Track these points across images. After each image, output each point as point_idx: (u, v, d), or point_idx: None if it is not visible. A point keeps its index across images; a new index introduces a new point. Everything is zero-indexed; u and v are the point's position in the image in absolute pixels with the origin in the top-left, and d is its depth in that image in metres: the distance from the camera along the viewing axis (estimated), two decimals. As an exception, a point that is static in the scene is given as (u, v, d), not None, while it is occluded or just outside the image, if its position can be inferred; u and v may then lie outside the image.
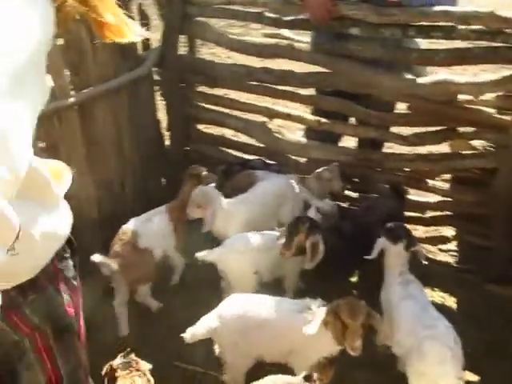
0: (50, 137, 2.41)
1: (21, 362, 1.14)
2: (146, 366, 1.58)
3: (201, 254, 2.31)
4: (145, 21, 3.02)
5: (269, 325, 1.95)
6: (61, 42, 2.46)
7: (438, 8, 2.24)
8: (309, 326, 1.86)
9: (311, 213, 2.54)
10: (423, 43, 2.63)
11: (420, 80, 2.47)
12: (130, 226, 2.50)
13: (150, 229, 2.51)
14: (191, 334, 1.92)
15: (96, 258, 2.23)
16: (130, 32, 1.02)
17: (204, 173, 2.74)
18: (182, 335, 1.93)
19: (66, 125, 2.47)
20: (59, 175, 1.15)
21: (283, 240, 2.28)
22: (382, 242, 2.22)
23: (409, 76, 2.52)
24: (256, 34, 6.39)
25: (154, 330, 2.50)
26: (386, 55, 2.52)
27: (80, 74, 2.51)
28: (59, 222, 1.13)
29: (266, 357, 2.02)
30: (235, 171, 3.07)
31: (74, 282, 1.23)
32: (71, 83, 2.50)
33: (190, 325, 1.98)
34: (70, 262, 1.22)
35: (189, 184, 2.68)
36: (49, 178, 1.06)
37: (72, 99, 2.44)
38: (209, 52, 5.60)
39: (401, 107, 2.93)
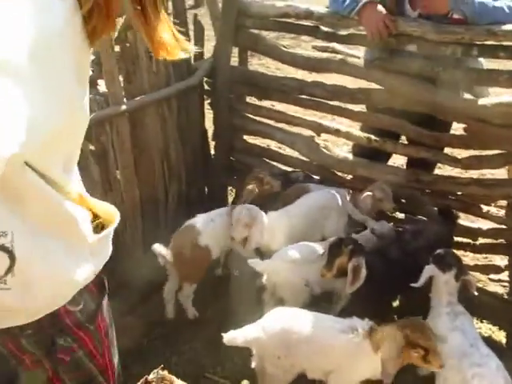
0: (101, 142, 2.46)
1: (21, 361, 1.05)
2: (179, 383, 1.55)
3: (252, 261, 2.28)
4: (199, 31, 3.06)
5: (312, 341, 1.90)
6: (116, 49, 2.53)
7: (505, 27, 2.12)
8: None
9: (365, 234, 2.49)
10: (485, 62, 2.51)
11: (481, 101, 2.35)
12: (193, 222, 2.60)
13: (212, 228, 2.58)
14: (232, 337, 1.91)
15: (156, 247, 2.42)
16: (183, 50, 1.03)
17: (268, 178, 2.75)
18: (222, 334, 1.92)
19: (117, 131, 2.52)
20: (106, 217, 1.07)
21: (325, 259, 2.23)
22: (430, 270, 2.13)
23: (468, 96, 2.40)
24: (306, 45, 6.39)
25: (188, 340, 2.50)
26: (445, 74, 2.41)
27: (133, 82, 2.56)
28: (77, 267, 0.96)
29: (307, 373, 1.98)
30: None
31: (90, 326, 1.07)
32: (124, 90, 2.55)
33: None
34: (91, 305, 1.06)
35: (251, 186, 2.71)
36: (76, 218, 0.94)
37: (124, 106, 2.48)
38: (258, 63, 5.63)
39: (455, 126, 2.81)
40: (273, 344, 1.92)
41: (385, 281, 2.33)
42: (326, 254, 2.24)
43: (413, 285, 2.12)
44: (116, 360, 1.23)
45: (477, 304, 2.43)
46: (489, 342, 2.09)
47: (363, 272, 2.16)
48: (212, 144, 3.48)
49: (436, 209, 2.78)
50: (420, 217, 2.93)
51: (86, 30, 0.86)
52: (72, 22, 0.82)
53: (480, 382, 1.78)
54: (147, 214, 2.88)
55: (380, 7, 2.35)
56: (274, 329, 1.93)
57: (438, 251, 2.18)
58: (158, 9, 0.93)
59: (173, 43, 0.99)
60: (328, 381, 1.97)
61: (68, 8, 0.81)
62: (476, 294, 2.14)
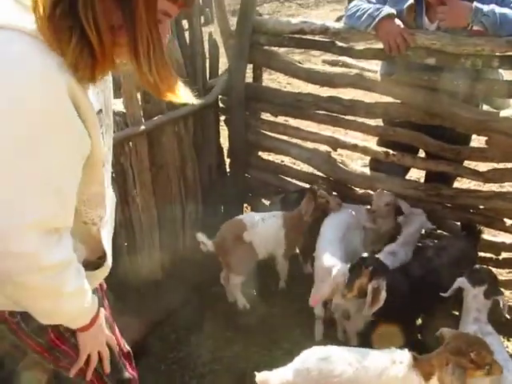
0: (120, 162, 2.46)
1: (22, 361, 1.15)
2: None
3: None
4: (214, 49, 3.07)
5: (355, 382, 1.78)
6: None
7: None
8: None
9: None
10: (505, 74, 2.48)
11: (502, 113, 2.31)
12: (242, 217, 2.77)
13: (260, 227, 2.66)
14: (264, 378, 1.84)
15: (199, 235, 2.59)
16: (183, 97, 1.06)
17: (321, 191, 2.75)
18: (255, 373, 1.88)
19: (136, 151, 2.51)
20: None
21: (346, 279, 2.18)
22: (460, 281, 2.14)
23: (489, 108, 2.37)
24: (315, 60, 6.43)
25: (208, 362, 2.44)
26: (465, 86, 2.39)
27: (151, 102, 2.56)
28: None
29: None
30: (293, 199, 3.04)
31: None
32: (142, 110, 2.55)
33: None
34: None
35: (307, 199, 2.74)
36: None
37: (143, 127, 2.48)
38: (269, 78, 5.65)
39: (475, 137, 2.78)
40: None
41: (407, 299, 2.28)
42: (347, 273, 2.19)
43: (442, 294, 2.11)
44: None
45: (504, 322, 2.36)
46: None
47: (383, 294, 2.10)
48: (227, 161, 3.47)
49: (459, 223, 2.73)
50: (441, 232, 2.88)
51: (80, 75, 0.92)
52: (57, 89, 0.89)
53: None
54: (164, 232, 2.86)
55: (397, 21, 2.34)
56: (311, 372, 1.80)
57: (475, 266, 2.17)
58: (151, 56, 0.96)
59: (173, 91, 1.02)
60: None
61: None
62: (508, 316, 2.08)
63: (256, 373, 1.87)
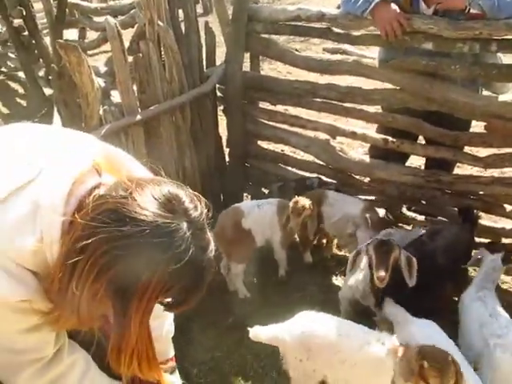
0: (117, 152, 2.45)
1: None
2: None
3: None
4: (210, 38, 3.05)
5: (335, 349, 1.85)
6: (130, 59, 2.52)
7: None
8: None
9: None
10: (504, 58, 2.45)
11: (501, 97, 2.29)
12: (239, 205, 2.77)
13: (257, 213, 2.67)
14: (256, 333, 1.94)
15: None
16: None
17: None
18: (248, 328, 1.95)
19: (132, 141, 2.51)
20: None
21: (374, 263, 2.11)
22: (481, 251, 2.33)
23: (487, 93, 2.34)
24: (316, 48, 6.36)
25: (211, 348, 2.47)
26: (463, 71, 2.36)
27: (147, 92, 2.55)
28: None
29: (329, 379, 1.92)
30: (291, 188, 3.04)
31: None
32: (138, 100, 2.54)
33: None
34: None
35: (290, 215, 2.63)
36: None
37: (139, 116, 2.47)
38: (270, 67, 5.61)
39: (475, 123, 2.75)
40: (294, 346, 1.91)
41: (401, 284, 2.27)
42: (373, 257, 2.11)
43: (463, 266, 2.37)
44: None
45: (505, 306, 2.36)
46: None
47: (415, 260, 2.07)
48: (226, 151, 3.46)
49: (456, 209, 2.72)
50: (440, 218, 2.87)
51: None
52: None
53: (503, 352, 1.86)
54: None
55: (393, 5, 2.32)
56: (297, 331, 1.91)
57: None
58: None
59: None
60: None
61: None
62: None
63: (249, 328, 1.96)
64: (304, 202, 2.62)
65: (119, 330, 0.91)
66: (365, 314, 2.33)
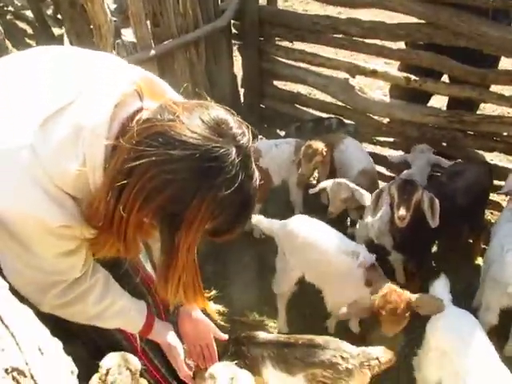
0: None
1: None
2: None
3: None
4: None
5: (314, 250, 2.04)
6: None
7: None
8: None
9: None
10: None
11: (535, 31, 2.15)
12: (256, 144, 2.70)
13: (274, 152, 2.66)
14: (258, 219, 2.22)
15: None
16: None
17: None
18: (252, 215, 2.03)
19: (146, 77, 2.44)
20: None
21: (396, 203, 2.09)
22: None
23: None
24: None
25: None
26: (496, 2, 2.20)
27: (160, 25, 2.45)
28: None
29: (306, 276, 2.15)
30: (309, 129, 2.98)
31: None
32: (152, 34, 2.45)
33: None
34: None
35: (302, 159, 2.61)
36: None
37: (153, 51, 2.39)
38: (284, 5, 5.36)
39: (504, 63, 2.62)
40: (282, 239, 2.17)
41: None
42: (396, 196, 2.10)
43: (498, 192, 2.47)
44: None
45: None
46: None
47: (437, 202, 2.05)
48: (241, 91, 3.37)
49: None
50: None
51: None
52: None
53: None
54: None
55: None
56: (287, 227, 2.14)
57: None
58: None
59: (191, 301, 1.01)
60: (323, 292, 2.14)
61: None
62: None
63: (252, 215, 2.07)
64: (317, 145, 2.55)
65: (167, 257, 0.89)
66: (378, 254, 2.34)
